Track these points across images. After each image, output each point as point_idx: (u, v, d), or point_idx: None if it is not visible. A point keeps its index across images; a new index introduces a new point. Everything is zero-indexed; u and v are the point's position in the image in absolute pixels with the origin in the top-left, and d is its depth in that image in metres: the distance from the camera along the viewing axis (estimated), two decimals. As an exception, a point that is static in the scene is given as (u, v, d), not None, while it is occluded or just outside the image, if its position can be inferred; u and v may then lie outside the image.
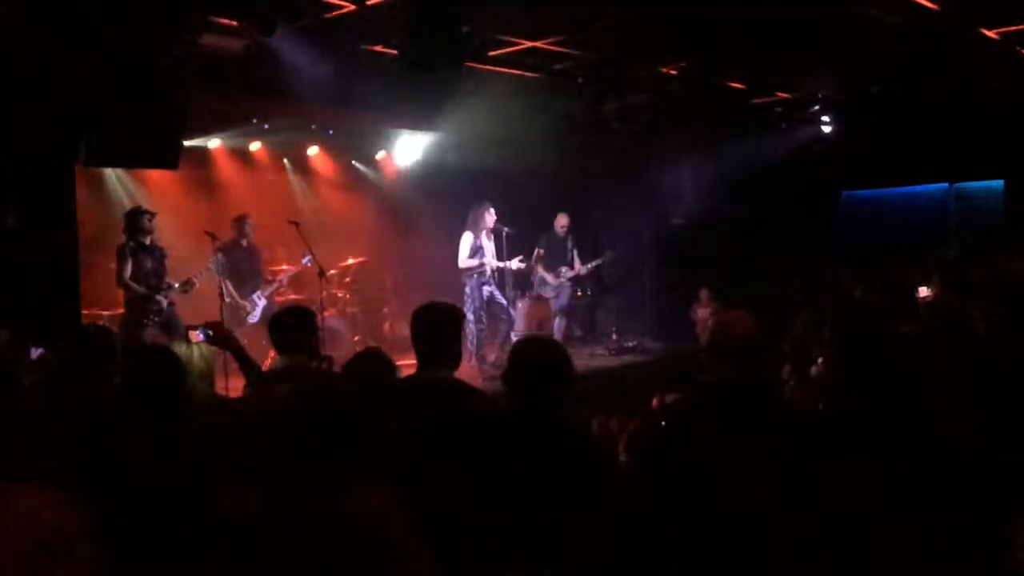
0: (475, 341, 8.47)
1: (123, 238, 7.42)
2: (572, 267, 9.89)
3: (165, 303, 7.38)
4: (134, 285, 7.29)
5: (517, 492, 2.65)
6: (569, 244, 9.89)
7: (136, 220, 7.37)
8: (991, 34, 7.81)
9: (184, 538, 2.44)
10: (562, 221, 9.87)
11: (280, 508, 2.28)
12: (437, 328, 3.33)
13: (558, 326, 9.82)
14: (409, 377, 3.41)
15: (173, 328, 7.06)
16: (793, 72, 9.28)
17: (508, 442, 2.80)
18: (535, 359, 2.87)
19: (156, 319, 7.27)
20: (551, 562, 2.57)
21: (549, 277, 9.77)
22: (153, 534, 2.46)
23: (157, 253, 7.49)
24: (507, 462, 2.73)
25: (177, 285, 7.54)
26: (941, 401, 2.90)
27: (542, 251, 9.74)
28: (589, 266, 10.11)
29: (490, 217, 8.69)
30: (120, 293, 7.56)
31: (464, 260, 8.63)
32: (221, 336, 4.05)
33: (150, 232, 7.43)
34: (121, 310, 8.53)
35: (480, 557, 2.62)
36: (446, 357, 3.32)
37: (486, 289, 8.62)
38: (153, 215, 7.49)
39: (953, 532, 2.45)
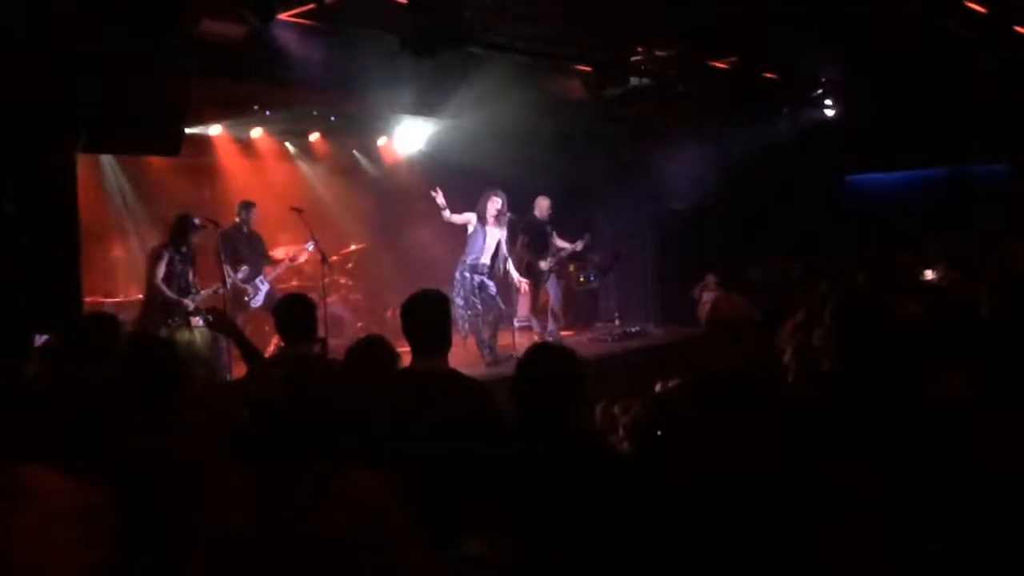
0: (465, 326, 8.49)
1: (161, 240, 7.58)
2: (554, 252, 9.82)
3: (191, 307, 7.47)
4: (165, 289, 7.38)
5: (517, 486, 2.65)
6: (549, 229, 9.81)
7: (183, 229, 7.50)
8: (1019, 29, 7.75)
9: (180, 525, 2.45)
10: (543, 205, 9.74)
11: (274, 496, 2.29)
12: (425, 317, 3.34)
13: (554, 310, 9.80)
14: (405, 369, 3.41)
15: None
16: (796, 55, 9.24)
17: (507, 434, 2.79)
18: (544, 371, 2.82)
19: (178, 321, 7.34)
20: (549, 552, 2.57)
21: (542, 263, 9.71)
22: (149, 521, 2.46)
23: (189, 259, 7.62)
24: (507, 454, 2.73)
25: (211, 289, 7.73)
26: (944, 385, 2.89)
27: (526, 238, 9.65)
28: (572, 247, 9.99)
29: (492, 206, 8.65)
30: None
31: (452, 216, 8.60)
32: (221, 322, 4.06)
33: (192, 241, 7.57)
34: (122, 297, 8.57)
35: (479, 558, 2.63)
36: (438, 345, 3.34)
37: (477, 277, 8.61)
38: (201, 228, 7.62)
39: (955, 519, 2.45)
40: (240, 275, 8.32)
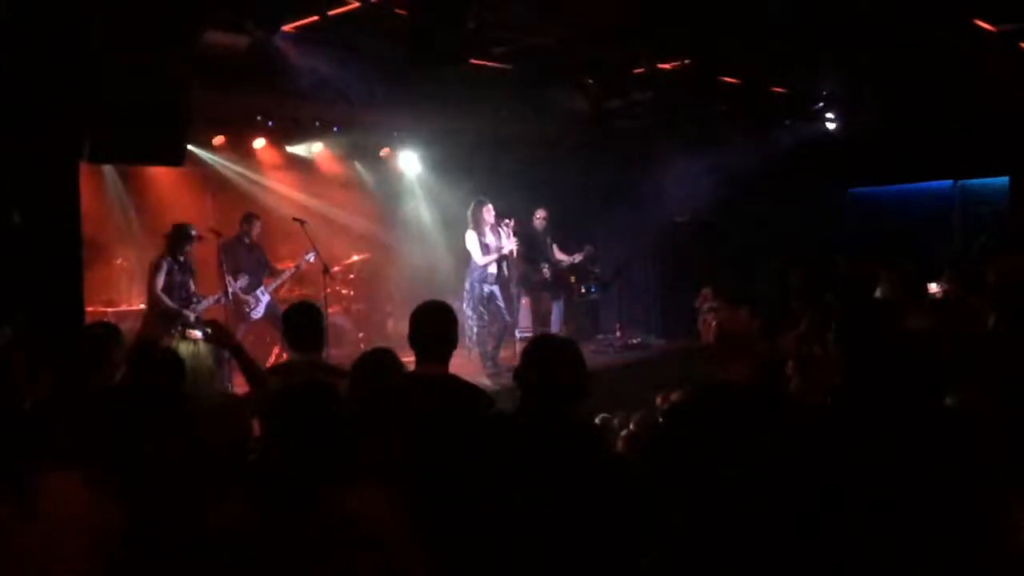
0: (473, 337, 8.49)
1: (161, 250, 7.59)
2: (552, 263, 9.81)
3: (192, 317, 7.49)
4: (165, 299, 7.41)
5: (517, 490, 2.64)
6: (547, 240, 9.81)
7: (181, 238, 7.53)
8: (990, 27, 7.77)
9: (182, 536, 2.44)
10: (540, 214, 9.73)
11: (274, 508, 2.28)
12: (432, 325, 3.40)
13: (554, 322, 9.78)
14: (406, 374, 3.45)
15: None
16: (798, 68, 9.25)
17: (507, 440, 2.79)
18: (549, 359, 2.86)
19: (182, 331, 7.36)
20: (552, 562, 2.56)
21: (538, 274, 9.69)
22: (151, 531, 2.45)
23: (188, 269, 7.65)
24: (507, 461, 2.72)
25: (213, 298, 7.77)
26: (948, 398, 2.89)
27: (522, 249, 9.64)
28: (571, 259, 9.98)
29: (488, 214, 8.68)
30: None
31: (481, 259, 8.60)
32: (220, 335, 4.05)
33: (188, 252, 7.60)
34: (124, 306, 8.57)
35: (479, 557, 2.62)
36: (441, 352, 3.39)
37: (487, 287, 8.61)
38: (197, 238, 7.65)
39: (955, 528, 2.44)
40: (240, 284, 8.30)
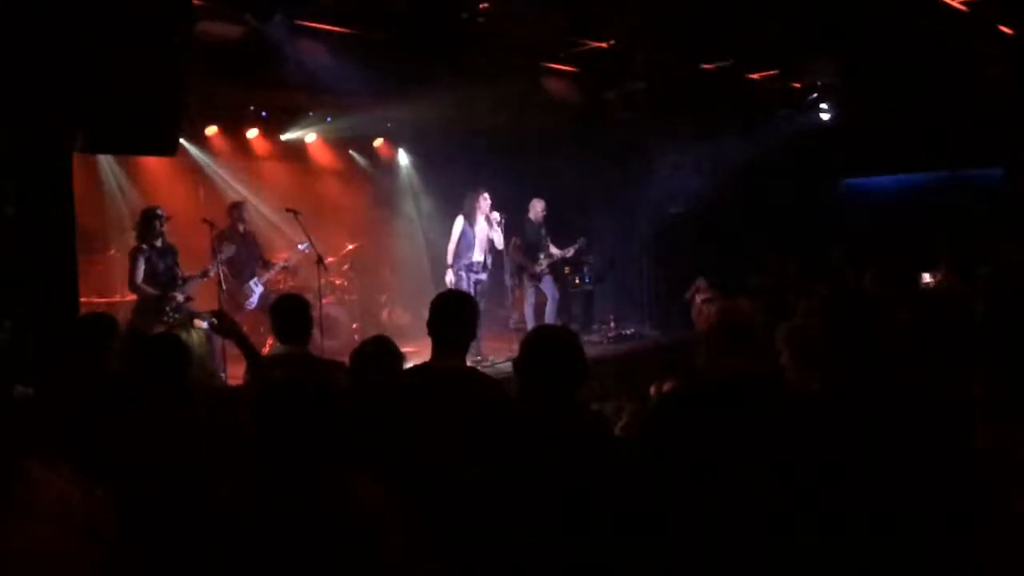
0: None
1: (134, 240, 7.47)
2: (548, 255, 9.82)
3: (182, 298, 7.37)
4: (146, 288, 7.29)
5: (526, 483, 2.65)
6: (543, 231, 9.82)
7: (149, 223, 7.34)
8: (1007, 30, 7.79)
9: (182, 527, 2.45)
10: (538, 207, 9.69)
11: (276, 500, 2.29)
12: (456, 317, 3.41)
13: (549, 313, 9.80)
14: (425, 364, 3.44)
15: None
16: (792, 59, 9.26)
17: (521, 433, 2.80)
18: (550, 349, 2.87)
19: (174, 316, 7.18)
20: (558, 555, 2.57)
21: (535, 267, 9.70)
22: (151, 522, 2.46)
23: (169, 253, 7.47)
24: (519, 453, 2.73)
25: (198, 274, 7.57)
26: (939, 390, 2.90)
27: (519, 241, 9.65)
28: (563, 253, 9.99)
29: (484, 203, 8.69)
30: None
31: (452, 245, 8.69)
32: (226, 325, 4.06)
33: (161, 234, 7.41)
34: (118, 297, 8.55)
35: (485, 551, 2.63)
36: (461, 343, 3.41)
37: (472, 276, 8.65)
38: (166, 219, 7.46)
39: (949, 520, 2.46)
40: (225, 254, 7.98)
